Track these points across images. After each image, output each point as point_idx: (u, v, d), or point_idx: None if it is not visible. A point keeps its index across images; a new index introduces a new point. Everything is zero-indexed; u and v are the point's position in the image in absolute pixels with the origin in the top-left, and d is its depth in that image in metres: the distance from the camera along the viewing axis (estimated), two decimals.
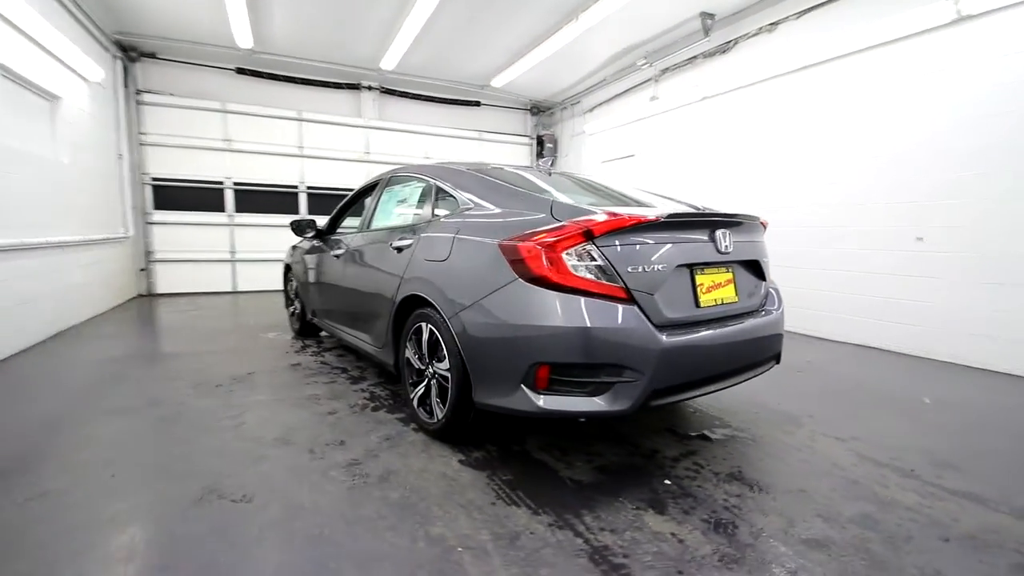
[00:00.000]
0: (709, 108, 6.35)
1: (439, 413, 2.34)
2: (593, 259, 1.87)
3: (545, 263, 1.86)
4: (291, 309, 4.86)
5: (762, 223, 2.48)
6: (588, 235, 1.86)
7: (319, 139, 8.13)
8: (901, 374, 3.74)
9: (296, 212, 8.13)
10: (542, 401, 1.87)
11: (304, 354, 4.08)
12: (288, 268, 4.84)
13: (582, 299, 1.83)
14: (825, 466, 2.21)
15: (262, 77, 7.71)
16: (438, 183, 2.68)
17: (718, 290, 2.14)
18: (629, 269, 1.88)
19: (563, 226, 1.89)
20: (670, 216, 2.00)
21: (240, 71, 7.57)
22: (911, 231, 4.28)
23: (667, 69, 6.88)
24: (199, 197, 7.52)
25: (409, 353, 2.57)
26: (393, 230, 2.91)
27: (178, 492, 1.91)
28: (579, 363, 1.82)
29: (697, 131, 6.58)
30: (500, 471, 2.13)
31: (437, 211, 2.61)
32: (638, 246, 1.93)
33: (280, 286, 5.43)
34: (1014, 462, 2.28)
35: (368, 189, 3.73)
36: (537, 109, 9.83)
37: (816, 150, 5.10)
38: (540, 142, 9.79)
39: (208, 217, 7.61)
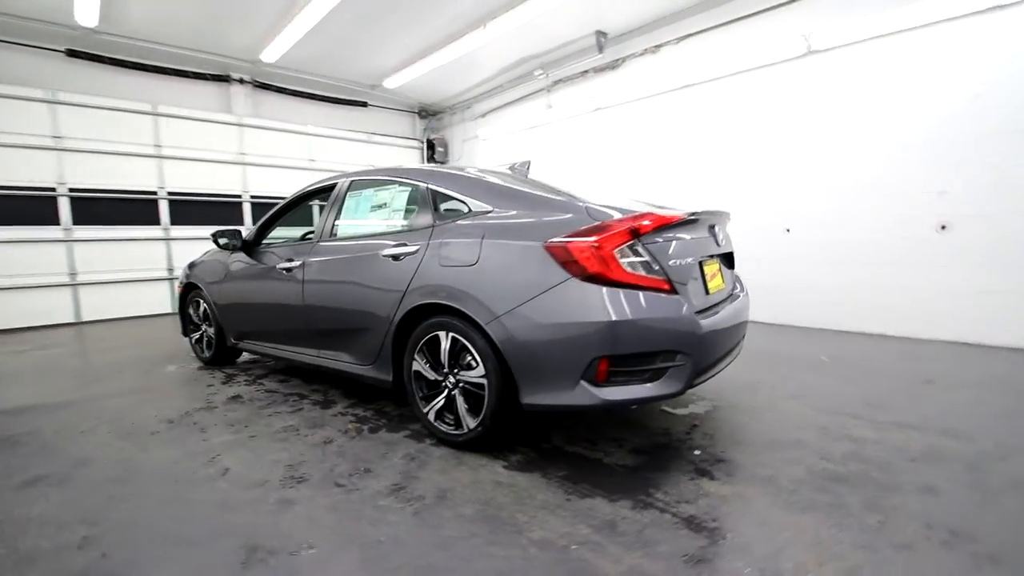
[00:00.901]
0: (602, 118, 6.95)
1: (469, 423, 2.28)
2: (640, 255, 2.01)
3: (601, 261, 1.95)
4: (196, 335, 4.17)
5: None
6: (635, 233, 2.00)
7: (181, 137, 7.01)
8: (807, 344, 4.56)
9: (157, 223, 6.91)
10: (604, 393, 1.96)
11: (236, 385, 3.55)
12: (189, 289, 4.14)
13: (638, 293, 1.96)
14: (797, 420, 2.65)
15: (103, 62, 6.41)
16: (434, 187, 2.58)
17: (715, 279, 2.44)
18: (670, 263, 2.07)
19: (611, 225, 2.00)
20: (691, 215, 2.23)
21: (72, 53, 6.20)
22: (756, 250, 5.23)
23: (560, 80, 7.35)
24: (17, 208, 5.98)
25: (419, 366, 2.44)
26: (376, 237, 2.72)
27: (214, 561, 1.59)
28: (639, 352, 1.95)
29: (591, 139, 7.16)
30: (550, 470, 2.16)
31: (438, 216, 2.51)
32: (672, 242, 2.12)
33: (167, 309, 4.61)
34: (914, 396, 2.98)
35: (310, 195, 3.41)
36: (426, 112, 9.72)
37: (693, 159, 5.92)
38: (431, 146, 9.69)
39: (36, 232, 6.08)
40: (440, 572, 1.51)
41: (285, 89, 7.93)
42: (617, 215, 2.07)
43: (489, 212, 2.33)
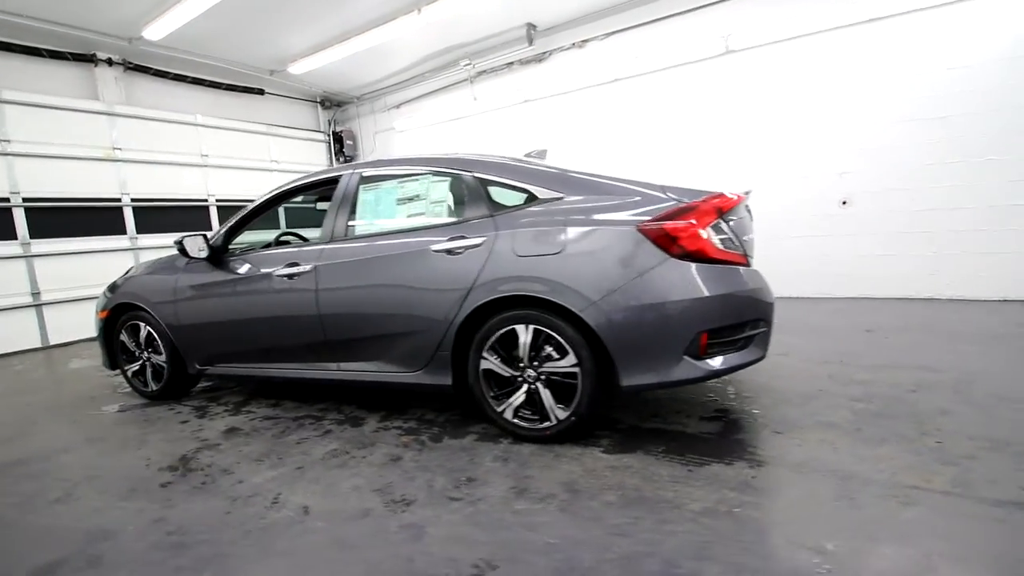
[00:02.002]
0: (530, 111, 7.08)
1: (558, 415, 2.24)
2: (723, 232, 2.15)
3: (698, 240, 2.05)
4: (134, 367, 3.45)
5: None
6: (719, 212, 2.13)
7: (35, 130, 5.65)
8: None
9: (14, 236, 5.51)
10: (706, 365, 2.07)
11: (217, 417, 3.04)
12: (119, 312, 3.41)
13: (728, 268, 2.10)
14: (803, 373, 3.04)
15: None
16: (483, 175, 2.46)
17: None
18: (744, 239, 2.24)
19: (702, 205, 2.10)
20: (745, 194, 2.42)
21: None
22: None
23: (485, 72, 7.32)
24: None
25: (490, 364, 2.34)
26: (414, 233, 2.52)
27: None
28: (733, 323, 2.10)
29: (519, 131, 7.25)
30: (647, 447, 2.22)
31: (494, 206, 2.40)
32: (738, 220, 2.30)
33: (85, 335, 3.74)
34: (869, 344, 3.57)
35: (293, 193, 3.04)
36: (329, 102, 9.00)
37: (621, 151, 6.33)
38: (338, 139, 9.01)
39: None
40: (642, 559, 1.50)
41: (166, 73, 6.79)
42: (708, 196, 2.17)
43: (559, 199, 2.30)
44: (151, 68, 6.64)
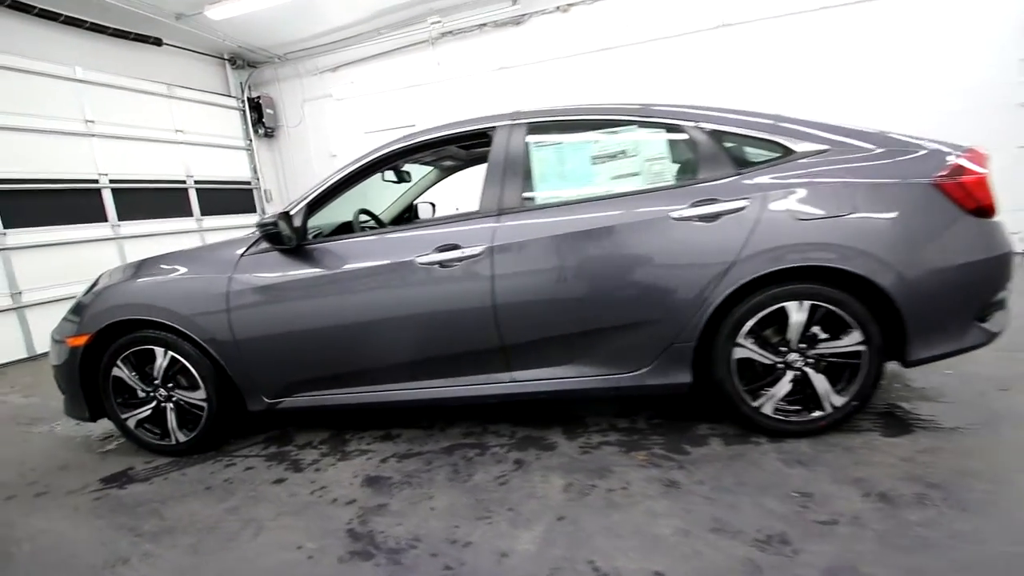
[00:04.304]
0: (506, 79, 6.52)
1: (832, 403, 1.96)
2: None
3: (988, 194, 1.88)
4: (141, 413, 2.37)
5: None
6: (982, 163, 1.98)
7: None
8: None
9: None
10: (989, 327, 1.94)
11: (330, 468, 2.21)
12: (116, 333, 2.31)
13: (1000, 223, 1.96)
14: None
15: None
16: (716, 127, 2.02)
17: None
18: None
19: (981, 156, 1.93)
20: None
21: None
22: None
23: (450, 33, 6.55)
24: None
25: (748, 351, 1.97)
26: (633, 198, 2.00)
27: None
28: (1007, 282, 1.98)
29: (492, 102, 6.63)
30: (912, 425, 2.04)
31: (741, 162, 1.99)
32: None
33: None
34: None
35: (416, 150, 2.31)
36: (241, 61, 7.39)
37: None
38: (255, 106, 7.47)
39: None
40: None
41: (28, 7, 4.89)
42: (968, 148, 1.99)
43: (826, 151, 1.96)
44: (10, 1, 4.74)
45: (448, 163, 3.30)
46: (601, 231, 1.97)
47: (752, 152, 2.04)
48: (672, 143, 2.09)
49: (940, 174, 1.86)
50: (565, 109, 2.23)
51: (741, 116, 2.06)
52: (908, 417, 2.13)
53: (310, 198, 2.23)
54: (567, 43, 6.16)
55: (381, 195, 3.58)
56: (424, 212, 3.87)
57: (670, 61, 5.83)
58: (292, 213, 2.15)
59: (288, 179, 8.05)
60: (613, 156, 2.09)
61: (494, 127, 2.18)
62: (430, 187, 3.62)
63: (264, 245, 2.23)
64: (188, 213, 6.64)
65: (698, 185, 1.98)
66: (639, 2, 5.81)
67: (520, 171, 2.10)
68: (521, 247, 2.01)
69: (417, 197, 3.66)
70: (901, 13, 5.11)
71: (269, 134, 7.81)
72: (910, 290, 1.83)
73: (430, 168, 3.42)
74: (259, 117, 7.52)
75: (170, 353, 2.30)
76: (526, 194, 2.09)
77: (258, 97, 7.51)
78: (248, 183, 7.66)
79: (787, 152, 1.99)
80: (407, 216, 3.65)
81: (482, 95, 6.60)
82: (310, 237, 2.31)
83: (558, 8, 6.13)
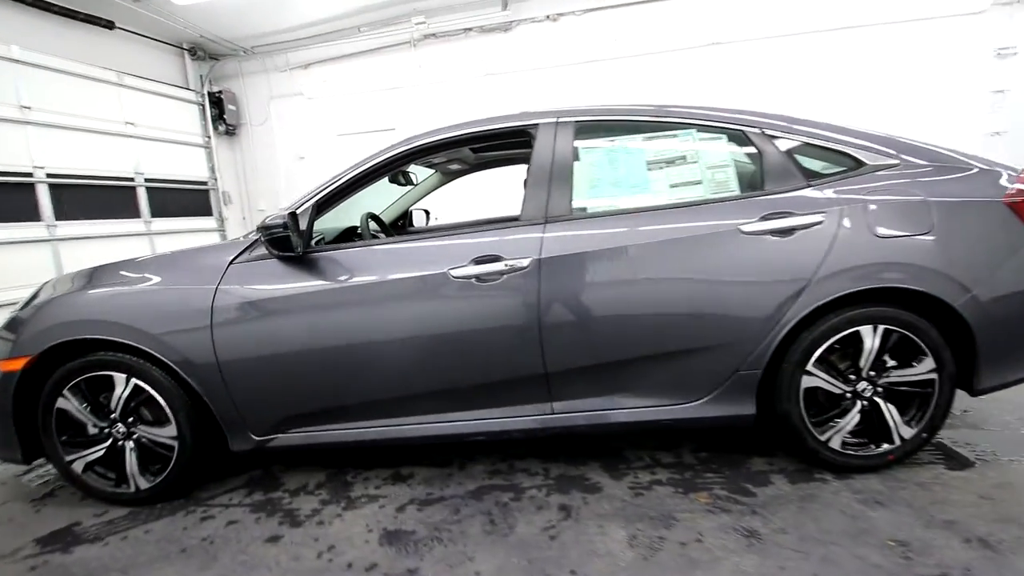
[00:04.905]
0: (493, 86, 6.30)
1: (900, 435, 1.82)
2: None
3: None
4: (93, 455, 1.95)
5: None
6: None
7: None
8: None
9: None
10: None
11: (336, 519, 1.88)
12: (63, 356, 1.88)
13: None
14: None
15: None
16: (784, 135, 1.86)
17: None
18: None
19: None
20: None
21: None
22: None
23: (434, 35, 6.28)
24: None
25: (817, 380, 1.80)
26: (693, 209, 1.81)
27: None
28: None
29: (477, 109, 6.42)
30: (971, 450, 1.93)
31: (808, 173, 1.84)
32: None
33: None
34: None
35: (443, 147, 2.04)
36: (203, 52, 6.82)
37: None
38: (217, 102, 6.90)
39: None
40: None
41: None
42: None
43: (895, 165, 1.83)
44: None
45: (454, 167, 3.02)
46: (664, 244, 1.76)
47: (819, 163, 1.90)
48: (736, 149, 1.91)
49: (1010, 193, 1.77)
50: (615, 108, 2.02)
51: (809, 123, 1.92)
52: (962, 448, 2.03)
53: (318, 197, 1.91)
54: (556, 53, 6.03)
55: (371, 199, 3.26)
56: (419, 220, 3.57)
57: (660, 77, 5.79)
58: (299, 213, 1.82)
59: (250, 181, 7.48)
60: (671, 162, 1.89)
61: (536, 125, 1.94)
62: (428, 193, 3.33)
63: (261, 251, 1.88)
64: (136, 214, 5.98)
65: (767, 197, 1.81)
66: (630, 16, 5.75)
67: (568, 175, 1.86)
68: (573, 260, 1.76)
69: (414, 203, 3.36)
70: (887, 41, 5.28)
71: (230, 132, 7.22)
72: (985, 314, 1.74)
73: (431, 172, 3.13)
74: (220, 113, 6.94)
75: (133, 380, 1.89)
76: (576, 201, 1.85)
77: (219, 92, 6.94)
78: (204, 183, 7.02)
79: (858, 164, 1.86)
80: (401, 223, 3.34)
81: (465, 101, 6.36)
82: (313, 243, 1.98)
83: (548, 17, 5.98)
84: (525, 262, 1.75)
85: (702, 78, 5.66)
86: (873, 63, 5.32)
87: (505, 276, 1.76)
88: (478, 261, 1.78)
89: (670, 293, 1.76)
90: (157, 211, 6.21)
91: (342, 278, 1.83)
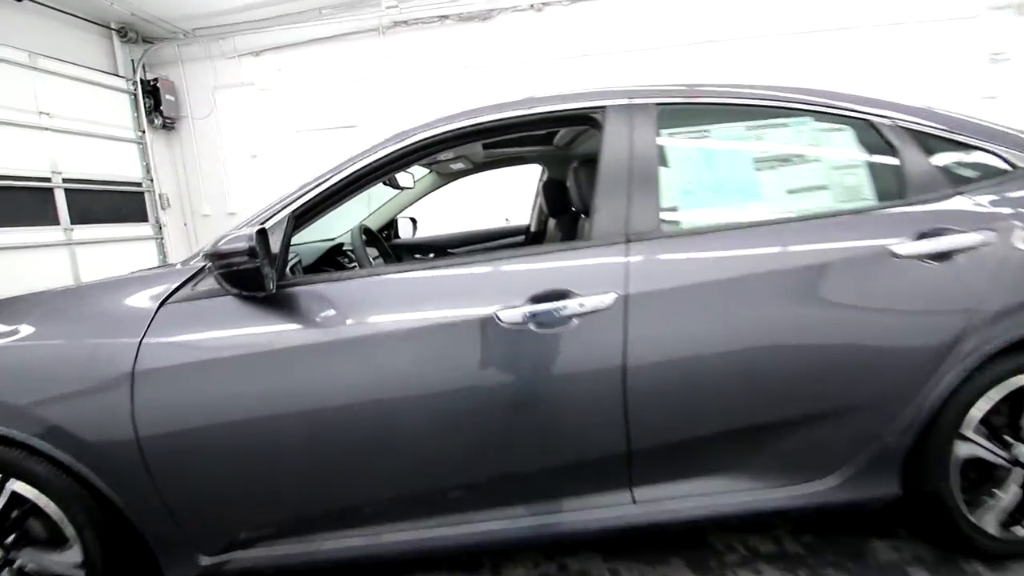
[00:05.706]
0: (471, 79, 5.76)
1: None
2: None
3: None
4: None
5: None
6: None
7: None
8: None
9: None
10: None
11: None
12: None
13: None
14: None
15: None
16: (928, 130, 1.43)
17: None
18: None
19: None
20: None
21: None
22: None
23: (405, 23, 5.68)
24: None
25: (976, 448, 1.38)
26: (831, 222, 1.35)
27: None
28: None
29: (453, 104, 5.83)
30: None
31: (952, 178, 1.41)
32: None
33: None
34: None
35: (468, 136, 1.51)
36: (135, 34, 5.91)
37: None
38: (153, 91, 6.02)
39: None
40: None
41: None
42: None
43: None
44: None
45: (456, 166, 2.47)
46: (795, 274, 1.28)
47: (963, 165, 1.48)
48: (866, 145, 1.46)
49: None
50: (703, 89, 1.53)
51: (950, 115, 1.50)
52: None
53: (296, 204, 1.32)
54: (540, 46, 5.56)
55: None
56: (404, 231, 2.99)
57: (651, 73, 5.42)
58: (270, 228, 1.22)
59: (192, 182, 6.59)
60: (785, 160, 1.42)
61: (603, 108, 1.42)
62: (421, 197, 2.76)
63: (209, 284, 1.27)
64: (54, 221, 5.05)
65: (914, 208, 1.36)
66: (622, 8, 5.37)
67: (654, 177, 1.35)
68: (672, 297, 1.26)
69: (402, 210, 2.78)
70: (881, 43, 5.12)
71: (168, 126, 6.33)
72: None
73: (427, 171, 2.57)
74: (155, 104, 6.05)
75: (10, 484, 1.24)
76: (665, 213, 1.34)
77: (155, 80, 6.05)
78: (139, 184, 6.11)
79: (1012, 167, 1.45)
80: (386, 234, 2.76)
81: (439, 95, 5.77)
82: (289, 270, 1.39)
83: (532, 6, 5.51)
84: (607, 300, 1.24)
85: (695, 75, 5.34)
86: (866, 65, 5.16)
87: (577, 319, 1.24)
88: (537, 299, 1.25)
89: (802, 339, 1.29)
90: (80, 217, 5.29)
91: (337, 327, 1.26)
